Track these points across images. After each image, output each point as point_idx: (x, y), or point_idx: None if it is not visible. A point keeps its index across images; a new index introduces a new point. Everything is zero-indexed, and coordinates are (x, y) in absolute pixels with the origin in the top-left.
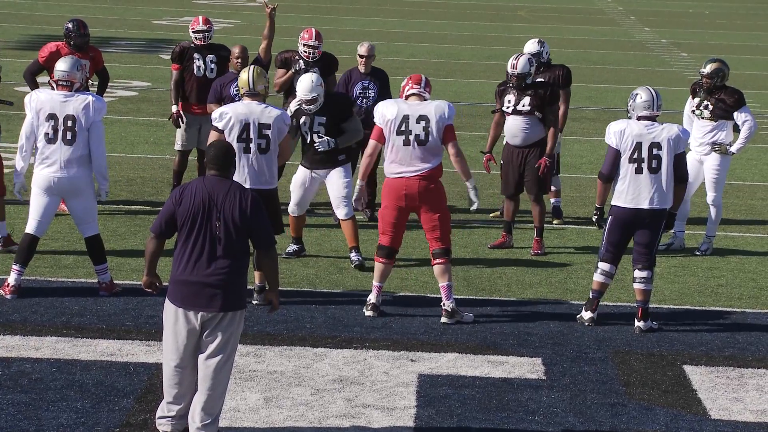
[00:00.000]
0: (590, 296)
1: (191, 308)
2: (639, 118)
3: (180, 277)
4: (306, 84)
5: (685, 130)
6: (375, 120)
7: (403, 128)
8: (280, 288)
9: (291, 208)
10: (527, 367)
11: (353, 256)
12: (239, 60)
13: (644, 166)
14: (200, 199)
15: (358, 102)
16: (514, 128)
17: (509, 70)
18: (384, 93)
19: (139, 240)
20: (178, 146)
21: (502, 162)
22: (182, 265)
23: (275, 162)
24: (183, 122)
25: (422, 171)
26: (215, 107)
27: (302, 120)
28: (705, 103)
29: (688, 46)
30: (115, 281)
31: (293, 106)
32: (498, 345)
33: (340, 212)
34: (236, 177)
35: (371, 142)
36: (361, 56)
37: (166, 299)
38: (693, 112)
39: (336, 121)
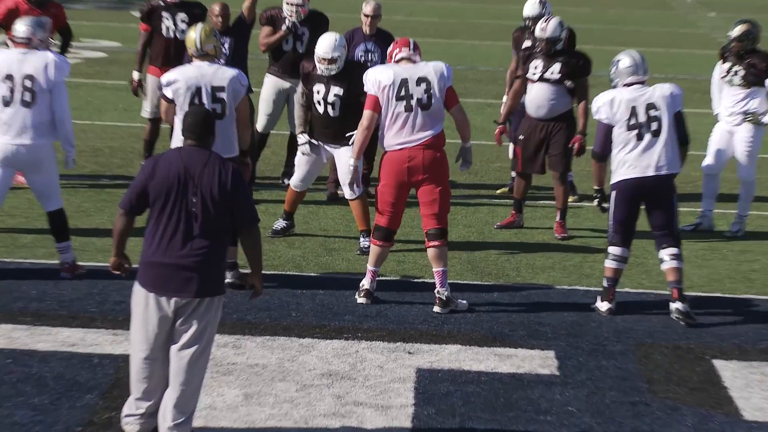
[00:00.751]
0: (604, 285)
1: (163, 293)
2: (625, 86)
3: (151, 259)
4: (328, 42)
5: (678, 87)
6: (367, 88)
7: (403, 93)
8: (263, 271)
9: (294, 182)
10: (538, 361)
11: (363, 241)
12: (220, 18)
13: (644, 131)
14: (175, 171)
15: None
16: (539, 98)
17: (538, 33)
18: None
19: (106, 217)
20: (146, 114)
21: (521, 137)
22: (154, 245)
23: (233, 127)
24: (143, 92)
25: (426, 138)
26: None
27: (316, 88)
28: (735, 68)
29: (717, 4)
30: (78, 262)
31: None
32: (506, 336)
33: (348, 190)
34: None
35: (367, 113)
36: (366, 15)
37: (135, 283)
38: (722, 78)
39: (355, 93)
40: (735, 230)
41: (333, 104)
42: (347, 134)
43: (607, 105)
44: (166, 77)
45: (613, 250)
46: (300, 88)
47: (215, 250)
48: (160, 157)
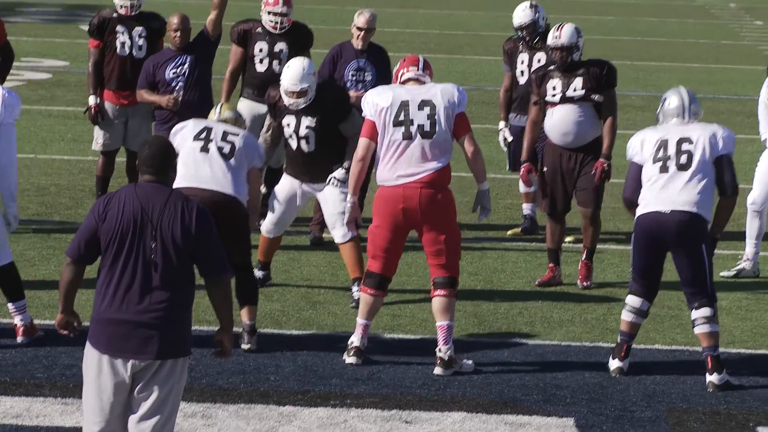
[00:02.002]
0: (618, 340)
1: (119, 355)
2: None
3: (105, 315)
4: (295, 71)
5: (729, 131)
6: (365, 112)
7: (402, 117)
8: (234, 328)
9: (266, 227)
10: (556, 430)
11: (356, 291)
12: (178, 33)
13: (671, 163)
14: (130, 212)
15: (351, 86)
16: (563, 123)
17: (551, 42)
18: (384, 76)
19: (53, 267)
20: (98, 146)
21: (545, 169)
22: (107, 299)
23: (242, 176)
24: (102, 119)
25: (425, 175)
26: (147, 94)
27: (285, 121)
28: None
29: (764, 11)
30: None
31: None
32: (518, 401)
33: (337, 233)
34: (188, 178)
35: (362, 141)
36: (360, 29)
37: (87, 343)
38: None
39: (330, 123)
40: None
41: (306, 138)
42: (328, 178)
43: (639, 144)
44: (176, 127)
45: (631, 300)
46: (267, 121)
47: (179, 304)
48: (113, 195)
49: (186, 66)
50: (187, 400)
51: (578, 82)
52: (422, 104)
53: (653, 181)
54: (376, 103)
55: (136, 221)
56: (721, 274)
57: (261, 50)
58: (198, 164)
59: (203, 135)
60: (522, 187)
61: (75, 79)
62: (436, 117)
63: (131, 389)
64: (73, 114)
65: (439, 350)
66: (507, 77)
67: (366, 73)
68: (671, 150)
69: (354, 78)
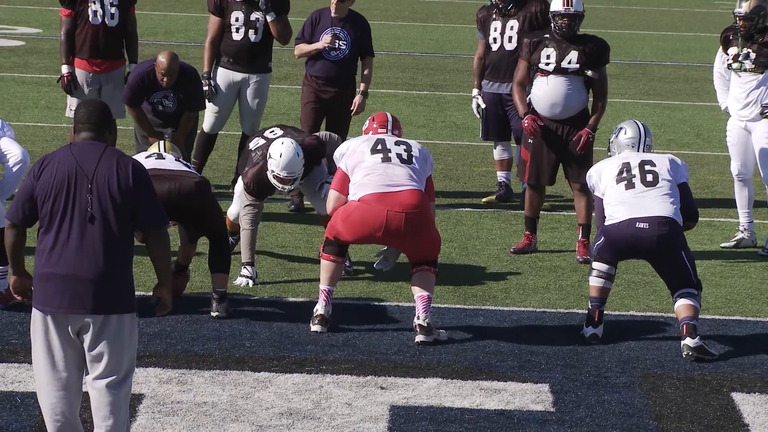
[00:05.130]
0: (589, 306)
1: (57, 310)
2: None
3: (43, 270)
4: (287, 158)
5: (682, 161)
6: (336, 159)
7: (378, 147)
8: (205, 294)
9: (233, 213)
10: (531, 396)
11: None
12: (165, 78)
13: (636, 180)
14: (65, 168)
15: (324, 54)
16: (554, 93)
17: (561, 9)
18: (361, 45)
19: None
20: (72, 113)
21: (530, 141)
22: (45, 256)
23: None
24: (75, 88)
25: (408, 188)
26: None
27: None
28: (745, 51)
29: None
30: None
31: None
32: (493, 367)
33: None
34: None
35: (332, 195)
36: None
37: (33, 309)
38: (729, 66)
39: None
40: None
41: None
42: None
43: (596, 176)
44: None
45: (598, 266)
46: (247, 202)
47: (116, 259)
48: (49, 155)
49: (171, 96)
50: (163, 366)
51: (574, 55)
52: (399, 142)
53: (621, 199)
54: (348, 145)
55: (71, 176)
56: (722, 245)
57: (237, 19)
58: None
59: None
60: (497, 155)
61: (48, 46)
62: (412, 152)
63: (81, 348)
64: (47, 81)
65: (418, 317)
66: (480, 45)
67: (340, 42)
68: (635, 170)
69: (329, 45)
